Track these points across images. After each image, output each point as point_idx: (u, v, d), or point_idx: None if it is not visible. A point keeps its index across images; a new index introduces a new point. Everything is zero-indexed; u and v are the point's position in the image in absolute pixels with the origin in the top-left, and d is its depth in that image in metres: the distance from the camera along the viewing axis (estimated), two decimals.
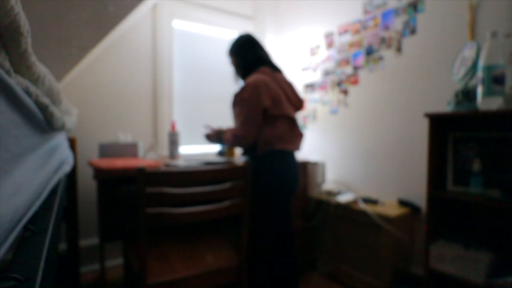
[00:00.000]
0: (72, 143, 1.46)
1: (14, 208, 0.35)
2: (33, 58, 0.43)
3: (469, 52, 1.27)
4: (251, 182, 1.18)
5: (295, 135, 1.38)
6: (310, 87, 2.31)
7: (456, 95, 1.27)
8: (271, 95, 1.29)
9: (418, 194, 1.62)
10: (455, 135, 1.34)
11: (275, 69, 1.42)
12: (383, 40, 1.79)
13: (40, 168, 0.52)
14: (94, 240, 1.89)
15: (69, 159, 0.99)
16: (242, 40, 1.46)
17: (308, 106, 2.33)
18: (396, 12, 1.72)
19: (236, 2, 2.45)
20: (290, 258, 1.39)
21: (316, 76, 2.26)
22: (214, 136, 1.46)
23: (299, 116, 2.40)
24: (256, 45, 1.45)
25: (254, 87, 1.27)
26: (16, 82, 0.38)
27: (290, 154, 1.37)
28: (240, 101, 1.30)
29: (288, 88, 1.40)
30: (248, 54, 1.43)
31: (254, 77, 1.31)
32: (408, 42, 1.67)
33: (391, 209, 1.59)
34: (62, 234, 1.61)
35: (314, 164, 1.93)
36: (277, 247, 1.37)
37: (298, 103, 1.44)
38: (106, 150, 1.61)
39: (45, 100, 0.49)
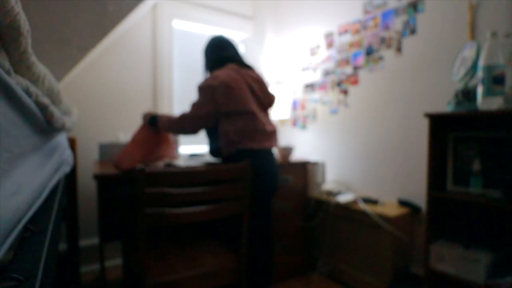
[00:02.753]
0: (72, 143, 1.46)
1: (14, 208, 0.35)
2: (33, 58, 0.43)
3: (469, 52, 1.27)
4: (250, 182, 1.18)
5: (263, 131, 1.31)
6: (310, 87, 2.30)
7: (456, 95, 1.27)
8: (232, 91, 1.26)
9: (418, 194, 1.62)
10: (455, 135, 1.34)
11: (243, 66, 1.41)
12: (383, 40, 1.79)
13: (40, 168, 0.52)
14: (94, 240, 1.90)
15: (69, 159, 0.98)
16: (212, 40, 1.48)
17: (308, 106, 2.33)
18: (396, 12, 1.72)
19: (236, 2, 2.45)
20: (267, 264, 1.35)
21: (316, 76, 2.25)
22: (147, 116, 1.45)
23: (300, 115, 2.40)
24: (226, 45, 1.45)
25: (215, 79, 1.27)
26: (16, 82, 0.38)
27: (260, 153, 1.28)
28: (199, 89, 1.31)
29: (255, 84, 1.37)
30: (214, 53, 1.44)
31: (218, 72, 1.32)
32: (408, 42, 1.67)
33: (391, 209, 1.59)
34: (62, 234, 1.61)
35: (314, 164, 1.94)
36: (256, 253, 1.31)
37: (267, 100, 1.41)
38: (106, 150, 1.61)
39: (45, 100, 0.49)
